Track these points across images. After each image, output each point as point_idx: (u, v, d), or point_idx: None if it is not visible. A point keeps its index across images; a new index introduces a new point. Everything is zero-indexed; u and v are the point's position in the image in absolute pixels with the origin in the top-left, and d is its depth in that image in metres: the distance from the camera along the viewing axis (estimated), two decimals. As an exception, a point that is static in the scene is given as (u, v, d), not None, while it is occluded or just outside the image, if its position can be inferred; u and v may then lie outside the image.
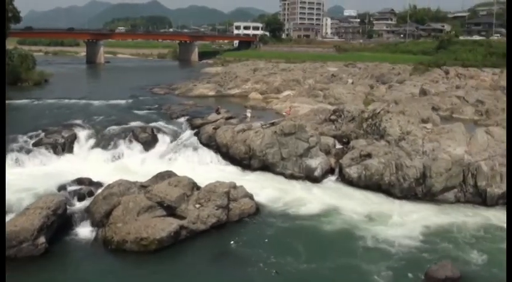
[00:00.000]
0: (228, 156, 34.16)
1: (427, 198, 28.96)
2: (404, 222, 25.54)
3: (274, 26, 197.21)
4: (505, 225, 25.48)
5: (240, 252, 21.83)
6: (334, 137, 36.07)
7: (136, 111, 45.04)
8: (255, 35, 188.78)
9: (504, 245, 23.07)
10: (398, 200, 28.89)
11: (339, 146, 35.14)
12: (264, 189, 29.15)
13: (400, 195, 29.29)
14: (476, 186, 28.95)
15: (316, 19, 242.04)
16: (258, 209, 26.17)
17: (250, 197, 26.28)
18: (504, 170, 29.08)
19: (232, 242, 22.77)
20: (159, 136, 36.18)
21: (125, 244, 21.42)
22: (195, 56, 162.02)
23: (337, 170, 32.36)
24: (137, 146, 34.70)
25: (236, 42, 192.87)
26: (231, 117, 40.81)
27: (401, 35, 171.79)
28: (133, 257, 21.17)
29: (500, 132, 32.43)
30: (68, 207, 23.37)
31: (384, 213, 26.47)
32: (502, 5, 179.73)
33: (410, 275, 20.27)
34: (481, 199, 28.78)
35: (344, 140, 35.81)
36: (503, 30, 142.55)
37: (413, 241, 23.34)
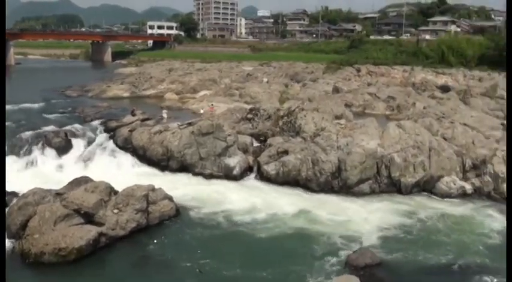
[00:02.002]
0: (146, 158, 33.78)
1: (343, 191, 30.12)
2: (324, 215, 26.39)
3: (188, 26, 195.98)
4: (421, 211, 27.50)
5: (162, 256, 21.69)
6: (252, 135, 36.62)
7: (48, 115, 43.49)
8: (169, 35, 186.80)
9: (424, 232, 24.88)
10: (316, 194, 29.77)
11: (256, 144, 35.70)
12: (184, 190, 29.14)
13: (317, 189, 30.21)
14: (390, 176, 30.60)
15: (231, 19, 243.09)
16: (178, 210, 26.07)
17: (170, 198, 26.11)
18: (417, 160, 31.05)
19: (153, 246, 22.59)
20: (74, 141, 35.07)
21: (43, 256, 20.71)
22: (108, 57, 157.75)
23: (255, 168, 32.89)
24: (51, 152, 33.49)
25: (150, 42, 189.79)
26: (147, 119, 40.26)
27: (314, 35, 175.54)
28: (53, 269, 20.49)
29: (411, 125, 34.37)
30: (-19, 219, 22.29)
31: (303, 208, 27.18)
32: (412, 7, 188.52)
33: (331, 262, 21.14)
34: (396, 188, 30.52)
35: (261, 138, 36.45)
36: (413, 30, 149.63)
37: (334, 232, 24.25)
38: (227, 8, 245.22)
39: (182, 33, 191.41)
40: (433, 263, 21.75)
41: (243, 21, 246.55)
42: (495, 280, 20.39)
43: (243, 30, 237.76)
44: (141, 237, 23.34)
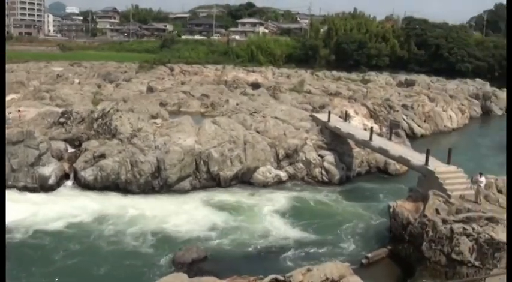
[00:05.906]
0: None
1: (164, 190, 30.55)
2: (146, 216, 26.53)
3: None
4: (240, 201, 29.27)
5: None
6: (65, 140, 34.92)
7: None
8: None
9: (243, 220, 26.43)
10: (137, 196, 29.72)
11: (71, 149, 34.13)
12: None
13: (138, 191, 30.20)
14: (209, 171, 31.87)
15: (38, 15, 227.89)
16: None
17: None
18: (233, 154, 32.78)
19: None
20: None
21: None
22: None
23: (72, 175, 31.59)
24: None
25: None
26: None
27: (126, 34, 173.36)
28: None
29: (226, 121, 36.32)
30: None
31: (123, 212, 26.97)
32: (221, 8, 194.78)
33: (159, 263, 21.49)
34: (216, 183, 31.98)
35: (76, 143, 34.92)
36: (223, 31, 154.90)
37: (158, 231, 24.59)
38: (33, 3, 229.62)
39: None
40: (257, 248, 23.28)
41: (51, 17, 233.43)
42: (320, 250, 22.83)
43: (51, 28, 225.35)
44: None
